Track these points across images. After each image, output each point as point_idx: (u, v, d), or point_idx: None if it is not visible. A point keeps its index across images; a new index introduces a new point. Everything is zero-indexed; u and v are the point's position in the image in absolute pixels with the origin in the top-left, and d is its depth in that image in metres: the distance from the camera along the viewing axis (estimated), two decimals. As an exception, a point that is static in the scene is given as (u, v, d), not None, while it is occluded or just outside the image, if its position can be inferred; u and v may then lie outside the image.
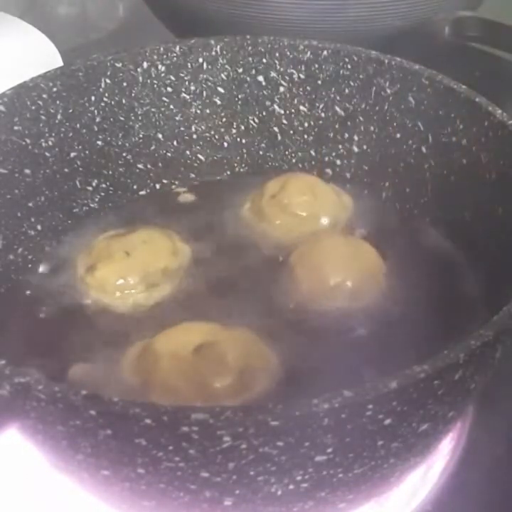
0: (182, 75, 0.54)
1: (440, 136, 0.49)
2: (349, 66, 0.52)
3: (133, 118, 0.53)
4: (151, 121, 0.54)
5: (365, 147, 0.54)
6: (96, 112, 0.51)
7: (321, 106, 0.54)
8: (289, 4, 0.66)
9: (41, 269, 0.49)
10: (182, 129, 0.55)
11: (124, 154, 0.54)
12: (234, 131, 0.56)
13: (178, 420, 0.29)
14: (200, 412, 0.29)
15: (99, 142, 0.52)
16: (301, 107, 0.54)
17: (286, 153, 0.56)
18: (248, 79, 0.54)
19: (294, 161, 0.56)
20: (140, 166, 0.55)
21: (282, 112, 0.55)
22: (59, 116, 0.50)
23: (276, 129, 0.56)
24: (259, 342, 0.43)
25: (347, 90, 0.53)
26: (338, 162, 0.55)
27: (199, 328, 0.42)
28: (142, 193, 0.55)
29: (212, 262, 0.49)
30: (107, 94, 0.52)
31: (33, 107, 0.48)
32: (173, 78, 0.53)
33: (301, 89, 0.54)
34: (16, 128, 0.47)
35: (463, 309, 0.45)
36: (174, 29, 0.79)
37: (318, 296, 0.46)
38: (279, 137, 0.56)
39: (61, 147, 0.50)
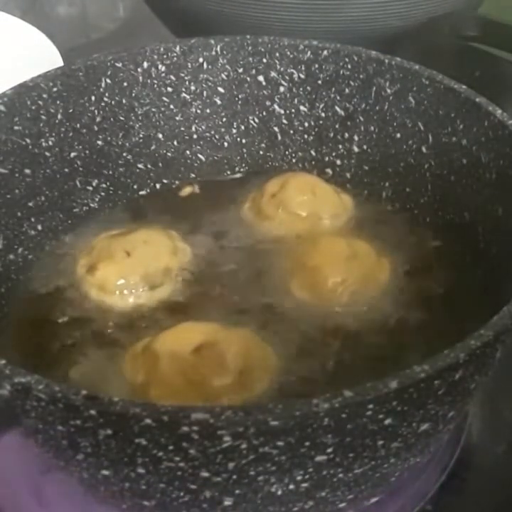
0: (182, 74, 0.54)
1: (440, 136, 0.49)
2: (349, 66, 0.52)
3: (133, 118, 0.53)
4: (151, 121, 0.54)
5: (365, 147, 0.54)
6: (96, 111, 0.51)
7: (321, 106, 0.54)
8: (289, 4, 0.66)
9: (41, 269, 0.49)
10: (182, 128, 0.55)
11: (124, 154, 0.54)
12: (234, 131, 0.56)
13: (178, 420, 0.29)
14: (201, 411, 0.29)
15: (99, 142, 0.52)
16: (301, 107, 0.54)
17: (286, 153, 0.56)
18: (248, 79, 0.54)
19: (294, 161, 0.56)
20: (140, 165, 0.55)
21: (282, 111, 0.55)
22: (59, 116, 0.50)
23: (276, 129, 0.56)
24: (259, 342, 0.43)
25: (347, 90, 0.53)
26: (338, 162, 0.55)
27: (199, 328, 0.42)
28: (142, 192, 0.55)
29: (213, 262, 0.49)
30: (107, 94, 0.52)
31: (33, 107, 0.48)
32: (173, 78, 0.54)
33: (301, 89, 0.54)
34: (16, 128, 0.47)
35: (463, 309, 0.45)
36: (174, 29, 0.79)
37: (317, 296, 0.46)
38: (279, 137, 0.56)
39: (61, 147, 0.50)
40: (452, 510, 0.44)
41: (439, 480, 0.44)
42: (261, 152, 0.57)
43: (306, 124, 0.55)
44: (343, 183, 0.55)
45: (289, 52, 0.53)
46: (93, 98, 0.51)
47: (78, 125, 0.51)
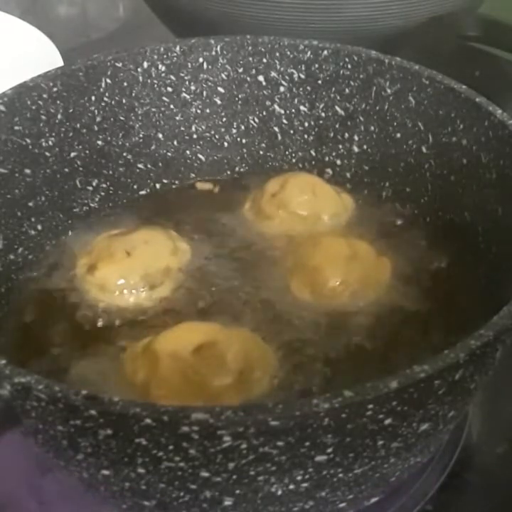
0: (182, 74, 0.54)
1: (440, 136, 0.49)
2: (349, 66, 0.52)
3: (133, 118, 0.53)
4: (151, 121, 0.54)
5: (365, 147, 0.54)
6: (96, 111, 0.51)
7: (321, 106, 0.54)
8: (289, 4, 0.66)
9: (41, 268, 0.49)
10: (182, 128, 0.55)
11: (124, 154, 0.54)
12: (234, 131, 0.56)
13: (178, 420, 0.29)
14: (201, 411, 0.29)
15: (99, 142, 0.52)
16: (301, 107, 0.54)
17: (286, 153, 0.56)
18: (248, 79, 0.54)
19: (294, 160, 0.56)
20: (140, 165, 0.55)
21: (282, 111, 0.55)
22: (59, 116, 0.50)
23: (276, 129, 0.56)
24: (259, 342, 0.43)
25: (347, 90, 0.53)
26: (338, 162, 0.55)
27: (199, 328, 0.43)
28: (142, 192, 0.55)
29: (213, 262, 0.49)
30: (107, 94, 0.52)
31: (33, 107, 0.48)
32: (173, 78, 0.54)
33: (301, 89, 0.54)
34: (16, 128, 0.47)
35: (463, 309, 0.45)
36: (174, 29, 0.79)
37: (318, 296, 0.46)
38: (279, 137, 0.56)
39: (61, 147, 0.50)
40: (452, 510, 0.44)
41: (439, 480, 0.44)
42: (261, 152, 0.57)
43: (306, 124, 0.55)
44: (343, 183, 0.55)
45: (289, 52, 0.53)
46: (93, 98, 0.51)
47: (78, 125, 0.51)
